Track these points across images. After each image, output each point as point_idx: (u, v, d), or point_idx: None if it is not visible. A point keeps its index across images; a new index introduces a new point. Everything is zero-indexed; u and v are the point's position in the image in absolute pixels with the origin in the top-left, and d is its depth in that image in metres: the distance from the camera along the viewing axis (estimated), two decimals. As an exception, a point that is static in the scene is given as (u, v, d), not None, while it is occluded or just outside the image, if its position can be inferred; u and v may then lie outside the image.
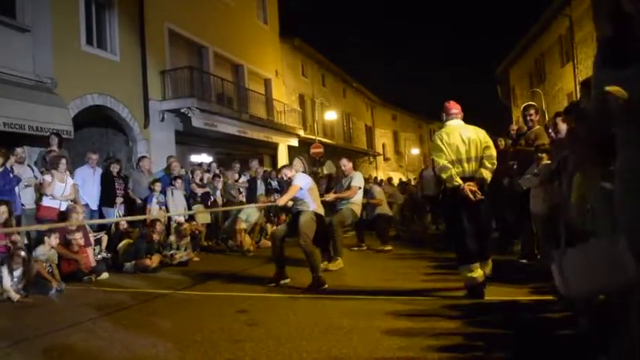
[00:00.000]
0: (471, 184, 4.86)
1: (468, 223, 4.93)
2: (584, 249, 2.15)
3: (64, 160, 8.20)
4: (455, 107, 5.26)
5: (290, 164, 6.86)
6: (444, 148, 4.97)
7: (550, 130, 5.70)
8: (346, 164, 8.42)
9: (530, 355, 3.16)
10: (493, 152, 5.11)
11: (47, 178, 7.90)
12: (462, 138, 5.01)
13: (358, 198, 8.07)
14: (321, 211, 6.42)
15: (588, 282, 2.09)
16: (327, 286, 5.71)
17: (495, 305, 4.51)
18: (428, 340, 3.48)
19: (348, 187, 7.94)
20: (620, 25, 2.10)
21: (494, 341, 3.50)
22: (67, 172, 8.32)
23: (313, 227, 6.09)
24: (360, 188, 8.02)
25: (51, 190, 7.79)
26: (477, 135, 5.10)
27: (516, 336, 3.59)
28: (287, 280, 6.17)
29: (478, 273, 4.79)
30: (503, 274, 5.90)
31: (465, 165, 4.99)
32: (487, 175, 5.01)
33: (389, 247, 9.37)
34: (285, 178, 6.72)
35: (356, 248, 9.62)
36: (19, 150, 8.18)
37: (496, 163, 5.11)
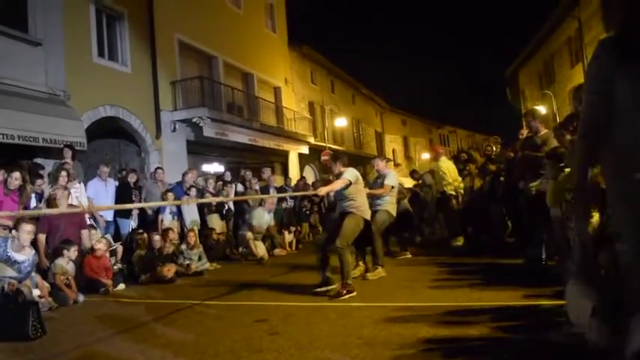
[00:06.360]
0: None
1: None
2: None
3: (64, 173, 7.61)
4: (441, 150, 11.02)
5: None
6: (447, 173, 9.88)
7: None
8: (379, 163, 7.97)
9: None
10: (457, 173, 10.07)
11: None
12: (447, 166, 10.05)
13: (392, 198, 7.66)
14: (368, 216, 6.23)
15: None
16: (355, 294, 5.56)
17: (518, 310, 4.44)
18: (451, 345, 3.44)
19: (381, 186, 7.54)
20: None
21: (517, 347, 3.44)
22: (72, 184, 7.83)
23: (357, 232, 5.92)
24: (393, 187, 7.57)
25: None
26: (452, 164, 10.25)
27: (542, 342, 3.53)
28: (333, 286, 5.84)
29: (461, 242, 9.68)
30: (521, 278, 5.87)
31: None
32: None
33: (408, 254, 8.89)
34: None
35: (402, 257, 8.78)
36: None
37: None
